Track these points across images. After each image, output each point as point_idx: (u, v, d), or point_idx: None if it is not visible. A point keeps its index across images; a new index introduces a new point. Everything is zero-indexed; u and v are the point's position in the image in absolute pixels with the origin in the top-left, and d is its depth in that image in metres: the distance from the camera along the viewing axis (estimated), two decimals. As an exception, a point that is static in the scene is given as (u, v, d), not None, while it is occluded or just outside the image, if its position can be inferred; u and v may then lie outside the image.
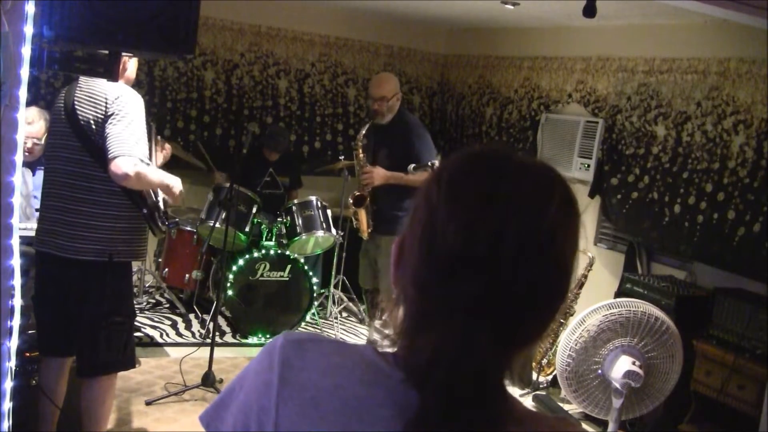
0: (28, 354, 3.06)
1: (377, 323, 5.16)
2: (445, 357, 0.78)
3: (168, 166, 3.42)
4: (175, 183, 3.07)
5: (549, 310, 0.84)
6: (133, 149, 2.81)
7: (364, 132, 4.46)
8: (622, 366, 3.23)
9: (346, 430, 0.81)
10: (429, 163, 4.20)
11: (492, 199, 0.81)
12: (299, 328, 5.29)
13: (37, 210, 3.21)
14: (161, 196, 3.11)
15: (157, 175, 2.96)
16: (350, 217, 5.69)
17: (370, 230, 4.50)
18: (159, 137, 3.35)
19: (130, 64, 3.01)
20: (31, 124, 3.98)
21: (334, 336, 5.36)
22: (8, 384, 2.12)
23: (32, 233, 3.03)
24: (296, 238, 5.18)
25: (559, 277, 0.83)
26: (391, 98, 4.45)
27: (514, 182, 0.82)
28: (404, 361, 0.84)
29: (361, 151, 4.47)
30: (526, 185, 0.82)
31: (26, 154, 4.05)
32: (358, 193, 4.41)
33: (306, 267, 5.16)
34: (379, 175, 4.38)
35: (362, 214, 4.45)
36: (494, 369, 0.81)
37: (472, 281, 0.79)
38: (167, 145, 3.41)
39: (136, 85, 3.07)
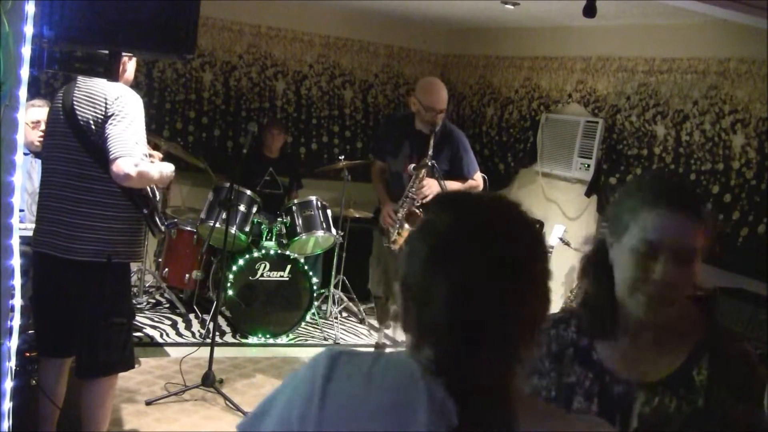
0: (28, 354, 3.05)
1: (386, 329, 5.13)
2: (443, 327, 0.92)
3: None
4: (169, 168, 3.10)
5: (529, 311, 0.95)
6: (133, 150, 2.81)
7: (431, 152, 4.07)
8: (622, 366, 3.22)
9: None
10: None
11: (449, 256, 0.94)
12: (299, 328, 5.30)
13: None
14: (159, 197, 3.12)
15: (156, 170, 2.96)
16: (350, 217, 5.70)
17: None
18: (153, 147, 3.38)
19: (129, 66, 3.01)
20: (41, 107, 3.94)
21: (334, 336, 5.36)
22: (8, 384, 2.12)
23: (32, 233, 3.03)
24: (296, 238, 5.18)
25: (533, 289, 0.96)
26: (445, 109, 4.22)
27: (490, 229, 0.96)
28: (427, 361, 0.94)
29: (424, 170, 4.14)
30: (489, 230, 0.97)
31: (37, 143, 3.99)
32: (415, 211, 4.12)
33: (306, 267, 5.16)
34: (433, 188, 4.09)
35: (407, 232, 4.19)
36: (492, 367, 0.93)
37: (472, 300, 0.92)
38: (158, 154, 3.42)
39: (135, 86, 3.07)
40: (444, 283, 0.92)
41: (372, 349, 4.57)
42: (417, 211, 4.10)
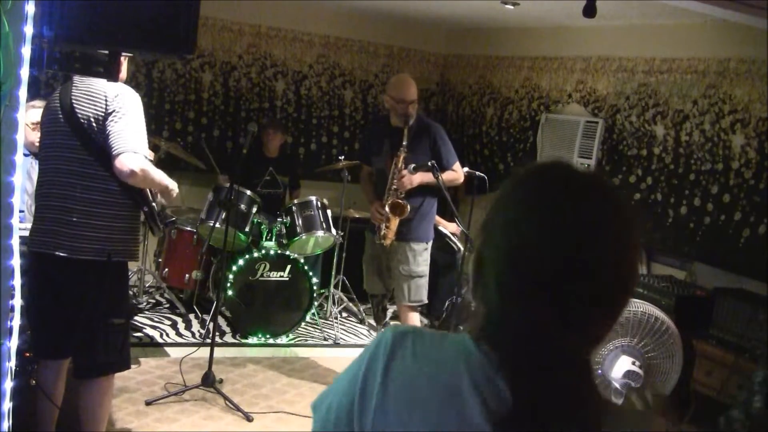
0: (28, 354, 3.05)
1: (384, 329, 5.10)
2: (519, 334, 0.90)
3: (168, 166, 3.43)
4: (174, 186, 3.07)
5: (611, 310, 0.94)
6: (136, 146, 2.81)
7: (406, 142, 4.18)
8: (622, 366, 3.23)
9: (440, 415, 0.91)
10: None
11: (569, 221, 0.90)
12: (299, 328, 5.30)
13: None
14: (158, 196, 3.11)
15: (158, 175, 2.96)
16: (350, 217, 5.70)
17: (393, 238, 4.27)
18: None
19: (123, 64, 3.00)
20: (41, 108, 3.91)
21: (334, 336, 5.36)
22: (8, 384, 2.12)
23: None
24: (296, 238, 5.18)
25: (622, 288, 0.93)
26: (416, 101, 4.33)
27: (585, 203, 0.91)
28: (489, 346, 0.93)
29: (401, 159, 4.22)
30: (597, 208, 0.92)
31: (37, 144, 3.97)
32: (399, 201, 4.18)
33: (306, 267, 5.16)
34: (413, 178, 4.19)
35: (395, 223, 4.21)
36: (563, 355, 0.90)
37: (550, 289, 0.89)
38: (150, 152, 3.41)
39: (135, 86, 3.06)
40: (513, 272, 0.91)
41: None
42: (401, 201, 4.17)
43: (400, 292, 4.34)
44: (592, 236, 0.89)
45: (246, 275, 5.02)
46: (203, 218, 5.06)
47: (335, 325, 5.53)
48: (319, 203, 5.28)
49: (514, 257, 0.91)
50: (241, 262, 4.98)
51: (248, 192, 5.14)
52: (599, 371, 3.33)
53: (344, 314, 5.91)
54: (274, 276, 5.09)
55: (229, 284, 4.92)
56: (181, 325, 5.23)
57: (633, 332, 3.29)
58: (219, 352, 4.60)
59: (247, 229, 5.11)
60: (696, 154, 4.63)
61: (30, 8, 2.00)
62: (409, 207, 4.17)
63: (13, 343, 2.13)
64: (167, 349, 4.79)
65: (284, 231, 5.23)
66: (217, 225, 4.74)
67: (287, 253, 5.11)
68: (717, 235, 4.44)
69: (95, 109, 2.83)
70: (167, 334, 5.03)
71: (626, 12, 4.79)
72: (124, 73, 3.01)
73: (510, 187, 0.96)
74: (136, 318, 5.06)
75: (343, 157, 5.80)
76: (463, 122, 6.89)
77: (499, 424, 0.87)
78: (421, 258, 4.32)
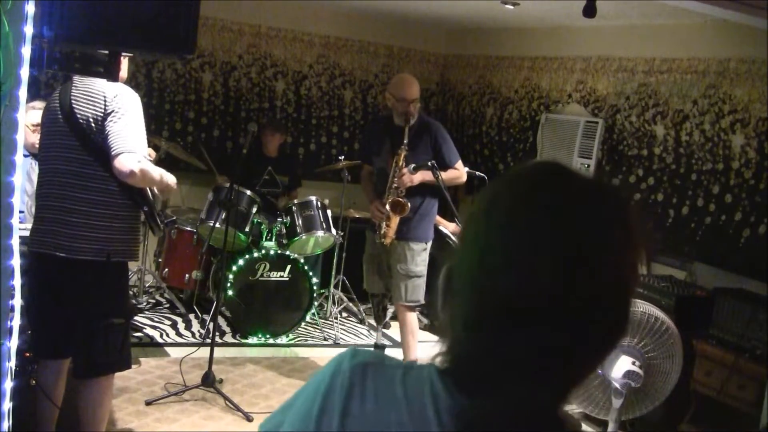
0: (28, 354, 3.05)
1: (384, 329, 5.11)
2: (493, 367, 0.78)
3: (168, 166, 3.43)
4: (172, 180, 3.08)
5: (607, 346, 0.81)
6: (135, 146, 2.81)
7: (406, 141, 4.20)
8: (622, 366, 3.23)
9: None
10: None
11: (557, 237, 0.76)
12: (298, 328, 5.29)
13: None
14: (158, 196, 3.11)
15: (157, 172, 2.97)
16: (350, 217, 5.70)
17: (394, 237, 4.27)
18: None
19: (124, 64, 3.00)
20: (41, 110, 3.91)
21: (334, 336, 5.36)
22: (8, 384, 2.12)
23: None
24: (296, 238, 5.18)
25: (623, 315, 0.81)
26: (417, 100, 4.33)
27: (580, 216, 0.78)
28: (457, 378, 0.82)
29: (402, 158, 4.23)
30: (592, 221, 0.78)
31: (37, 145, 3.97)
32: (400, 200, 4.19)
33: (306, 267, 5.16)
34: (413, 177, 4.21)
35: (395, 221, 4.23)
36: (543, 402, 0.79)
37: (527, 324, 0.76)
38: (152, 151, 3.42)
39: (135, 86, 3.06)
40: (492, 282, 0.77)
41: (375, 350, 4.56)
42: (401, 200, 4.18)
43: (397, 291, 4.36)
44: (588, 243, 0.76)
45: (246, 275, 5.02)
46: (203, 218, 5.07)
47: (335, 325, 5.53)
48: (319, 203, 5.28)
49: (496, 267, 0.77)
50: (241, 262, 4.98)
51: (248, 192, 5.14)
52: (599, 371, 3.32)
53: (344, 314, 5.91)
54: (274, 276, 5.09)
55: (229, 284, 4.92)
56: (181, 325, 5.23)
57: (633, 332, 3.29)
58: (219, 352, 4.60)
59: (247, 229, 5.11)
60: (696, 154, 4.63)
61: (30, 8, 2.00)
62: (409, 205, 4.19)
63: (13, 343, 2.13)
64: (167, 349, 4.79)
65: (284, 231, 5.23)
66: (217, 225, 4.74)
67: (287, 253, 5.12)
68: (717, 235, 4.45)
69: (94, 110, 2.83)
70: (167, 334, 5.03)
71: (626, 12, 4.80)
72: (125, 73, 3.01)
73: (494, 191, 0.82)
74: (136, 318, 5.06)
75: (343, 157, 5.80)
76: (463, 122, 6.89)
77: None
78: (419, 258, 4.33)
